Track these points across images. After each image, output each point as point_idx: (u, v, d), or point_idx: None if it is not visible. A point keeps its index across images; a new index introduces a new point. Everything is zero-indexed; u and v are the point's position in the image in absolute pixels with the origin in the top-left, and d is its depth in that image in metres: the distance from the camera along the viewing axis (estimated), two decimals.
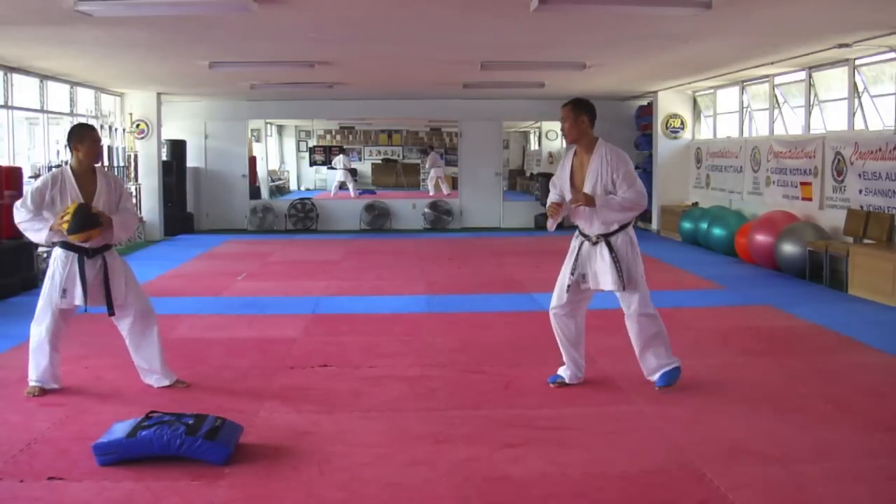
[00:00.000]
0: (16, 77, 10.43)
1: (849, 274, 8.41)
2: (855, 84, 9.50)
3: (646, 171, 15.36)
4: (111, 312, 4.95)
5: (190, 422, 3.92)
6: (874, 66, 9.34)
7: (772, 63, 10.20)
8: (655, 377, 4.99)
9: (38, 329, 4.91)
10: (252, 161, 17.69)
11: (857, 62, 9.39)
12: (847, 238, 9.11)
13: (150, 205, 14.09)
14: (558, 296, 5.05)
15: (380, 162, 23.81)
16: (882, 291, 7.83)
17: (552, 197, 5.07)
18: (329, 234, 15.22)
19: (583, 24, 7.71)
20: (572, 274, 4.98)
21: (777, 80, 11.38)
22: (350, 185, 20.16)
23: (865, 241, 8.79)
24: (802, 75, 10.67)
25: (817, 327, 6.86)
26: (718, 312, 7.63)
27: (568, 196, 4.93)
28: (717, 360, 5.57)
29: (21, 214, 4.78)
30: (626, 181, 4.77)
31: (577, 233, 5.04)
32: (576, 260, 4.97)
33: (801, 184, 10.44)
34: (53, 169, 4.96)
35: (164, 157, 14.52)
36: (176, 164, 14.76)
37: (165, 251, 12.42)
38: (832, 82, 10.26)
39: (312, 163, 23.03)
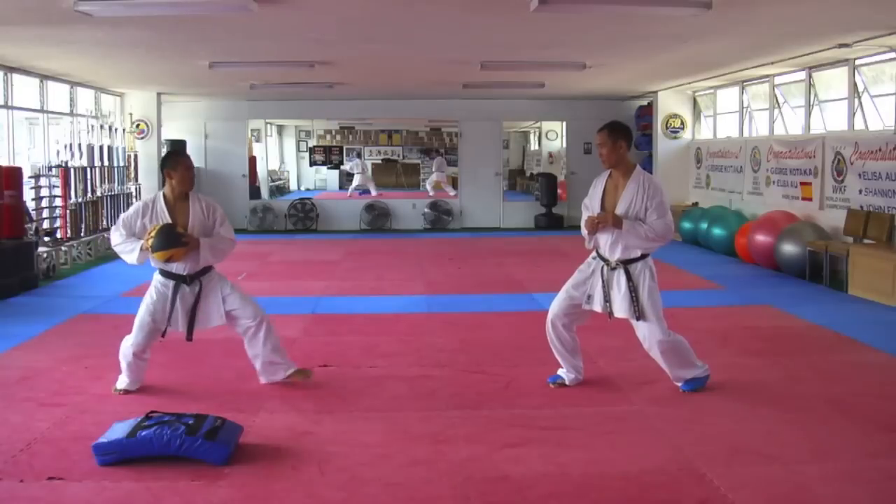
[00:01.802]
0: (16, 77, 10.43)
1: (849, 274, 8.41)
2: (855, 84, 9.50)
3: (646, 170, 15.35)
4: (188, 338, 4.99)
5: (190, 422, 3.92)
6: (874, 66, 9.34)
7: (772, 63, 10.20)
8: (681, 383, 4.99)
9: (126, 345, 4.95)
10: (252, 161, 17.69)
11: (857, 62, 9.39)
12: (847, 238, 9.11)
13: None
14: (561, 308, 5.02)
15: (380, 162, 23.82)
16: (882, 291, 7.83)
17: (584, 217, 5.00)
18: (329, 234, 15.22)
19: (583, 24, 7.70)
20: (576, 290, 4.95)
21: (777, 80, 11.38)
22: (370, 186, 20.15)
23: (865, 241, 8.79)
24: (802, 75, 10.67)
25: (817, 327, 6.85)
26: (718, 312, 7.63)
27: None
28: (717, 360, 5.56)
29: (114, 238, 4.88)
30: (657, 210, 4.74)
31: (594, 254, 4.98)
32: (586, 280, 4.93)
33: (801, 184, 10.44)
34: (144, 196, 5.08)
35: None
36: None
37: None
38: (832, 82, 10.26)
39: (312, 163, 23.04)
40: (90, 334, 6.67)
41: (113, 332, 6.76)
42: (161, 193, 4.95)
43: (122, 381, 5.01)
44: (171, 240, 4.69)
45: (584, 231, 4.96)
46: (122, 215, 4.95)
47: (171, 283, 4.85)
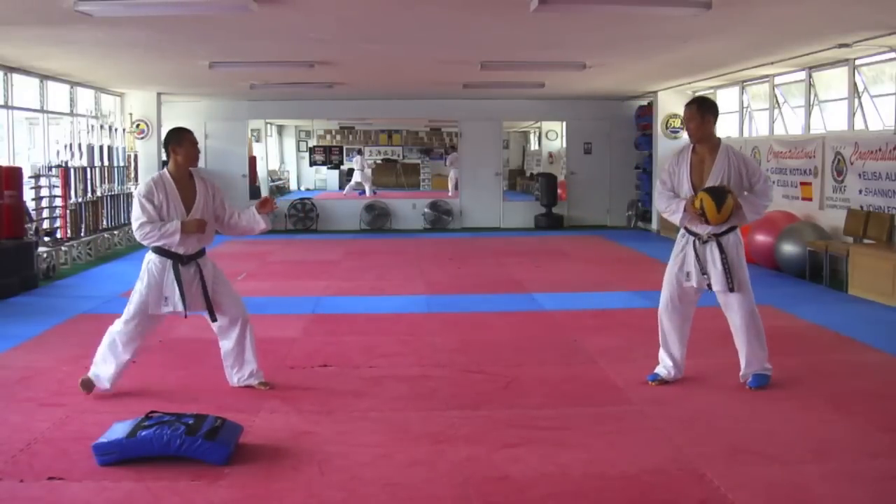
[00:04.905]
0: (16, 77, 10.43)
1: (849, 274, 8.41)
2: (855, 84, 9.50)
3: (646, 170, 15.37)
4: (213, 318, 4.91)
5: (190, 422, 3.92)
6: (874, 66, 9.34)
7: (772, 63, 10.20)
8: (749, 379, 5.03)
9: (124, 328, 4.82)
10: (252, 161, 17.69)
11: (857, 62, 9.38)
12: (847, 238, 9.11)
13: None
14: (667, 299, 5.07)
15: (380, 162, 23.83)
16: (882, 291, 7.83)
17: (663, 193, 4.99)
18: (329, 234, 15.22)
19: (583, 24, 7.70)
20: (681, 273, 5.00)
21: (777, 80, 11.38)
22: (366, 186, 20.19)
23: (865, 241, 8.79)
24: (802, 75, 10.67)
25: (817, 327, 6.85)
26: (718, 312, 7.54)
27: (684, 192, 4.91)
28: (717, 360, 5.57)
29: (146, 229, 4.65)
30: (756, 174, 4.91)
31: (682, 232, 5.03)
32: (683, 260, 4.99)
33: (801, 184, 10.44)
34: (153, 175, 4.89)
35: (164, 157, 14.51)
36: None
37: None
38: (832, 82, 10.26)
39: (312, 163, 23.05)
40: (90, 334, 6.62)
41: None
42: (165, 171, 4.86)
43: (97, 371, 4.88)
44: (722, 194, 4.71)
45: (664, 206, 4.98)
46: (140, 203, 4.69)
47: (168, 262, 4.74)
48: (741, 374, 5.08)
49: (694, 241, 4.94)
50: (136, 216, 4.71)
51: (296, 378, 5.37)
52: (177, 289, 4.74)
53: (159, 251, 4.76)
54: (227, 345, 5.02)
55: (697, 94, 14.32)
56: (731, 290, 4.86)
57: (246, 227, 5.05)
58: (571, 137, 16.68)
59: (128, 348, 4.84)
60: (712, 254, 4.88)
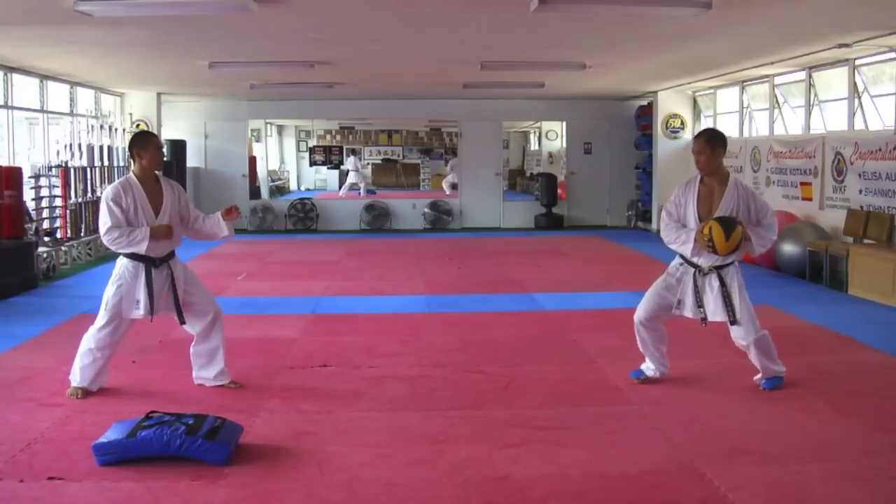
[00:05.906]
0: (16, 77, 10.43)
1: (849, 274, 8.41)
2: (855, 84, 9.50)
3: (646, 170, 15.37)
4: (182, 321, 4.92)
5: (190, 422, 3.92)
6: (874, 66, 9.34)
7: (772, 63, 10.20)
8: (763, 382, 5.05)
9: (99, 335, 4.82)
10: (252, 161, 17.69)
11: (857, 62, 9.39)
12: (847, 238, 9.12)
13: None
14: (651, 311, 5.02)
15: (380, 162, 23.82)
16: (882, 291, 7.83)
17: (670, 224, 4.97)
18: (329, 234, 15.22)
19: (583, 24, 7.70)
20: (668, 293, 4.98)
21: (777, 80, 11.38)
22: (361, 185, 20.22)
23: (865, 241, 8.79)
24: (802, 75, 10.67)
25: (817, 327, 6.85)
26: None
27: (690, 224, 4.89)
28: (717, 360, 5.57)
29: (114, 234, 4.68)
30: (763, 208, 4.92)
31: (680, 260, 5.00)
32: (676, 284, 4.97)
33: (801, 184, 10.44)
34: (118, 179, 4.86)
35: (164, 158, 14.51)
36: (176, 164, 14.75)
37: None
38: (832, 82, 10.26)
39: (312, 163, 23.05)
40: None
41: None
42: (132, 175, 4.87)
43: (78, 378, 4.89)
44: (731, 223, 4.69)
45: (672, 237, 4.93)
46: (108, 207, 4.71)
47: (141, 266, 4.75)
48: (756, 378, 5.10)
49: (694, 273, 4.91)
50: (104, 221, 4.74)
51: (296, 378, 5.37)
52: (146, 292, 4.76)
53: (132, 255, 4.79)
54: (203, 344, 5.01)
55: (697, 94, 14.34)
56: (733, 322, 4.85)
57: (209, 232, 5.02)
58: (571, 137, 16.68)
59: (104, 354, 4.86)
60: (711, 285, 4.87)
